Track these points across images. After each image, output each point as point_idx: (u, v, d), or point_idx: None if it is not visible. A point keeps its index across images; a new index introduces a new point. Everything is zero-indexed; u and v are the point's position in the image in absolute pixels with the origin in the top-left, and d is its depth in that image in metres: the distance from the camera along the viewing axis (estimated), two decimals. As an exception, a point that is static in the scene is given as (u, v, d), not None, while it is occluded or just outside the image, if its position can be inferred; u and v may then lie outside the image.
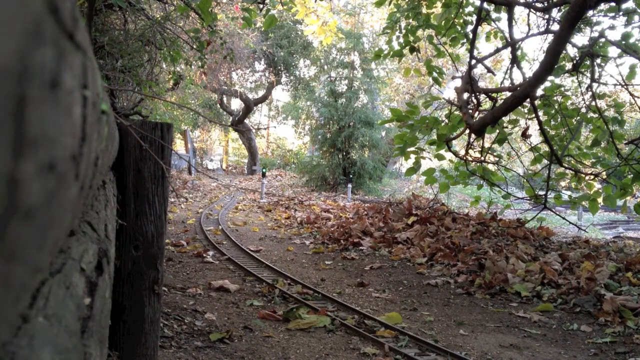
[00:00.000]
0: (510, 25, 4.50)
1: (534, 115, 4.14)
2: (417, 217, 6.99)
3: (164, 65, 6.96)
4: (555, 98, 4.89)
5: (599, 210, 5.20)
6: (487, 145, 5.09)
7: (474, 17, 5.02)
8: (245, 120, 22.83)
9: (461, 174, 5.16)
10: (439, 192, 7.19)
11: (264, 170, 13.46)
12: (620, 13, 4.42)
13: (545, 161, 4.64)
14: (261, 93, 22.72)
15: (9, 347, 0.34)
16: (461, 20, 5.33)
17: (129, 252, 1.63)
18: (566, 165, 4.48)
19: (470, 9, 5.40)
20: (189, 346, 2.65)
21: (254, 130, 24.74)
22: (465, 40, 5.33)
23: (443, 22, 5.30)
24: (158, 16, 5.80)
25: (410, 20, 5.56)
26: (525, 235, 6.07)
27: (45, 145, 0.27)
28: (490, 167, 5.29)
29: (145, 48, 5.70)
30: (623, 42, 4.33)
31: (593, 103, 4.55)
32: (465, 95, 4.53)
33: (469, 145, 4.81)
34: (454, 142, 5.45)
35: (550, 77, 4.46)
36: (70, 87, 0.31)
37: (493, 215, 6.93)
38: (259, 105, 24.74)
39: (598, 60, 4.51)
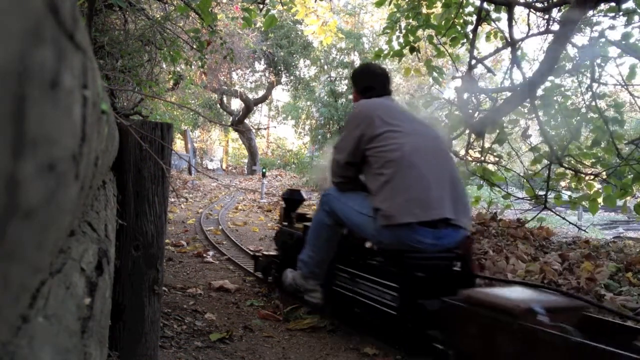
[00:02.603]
0: (510, 25, 4.51)
1: (534, 115, 4.15)
2: (417, 217, 6.98)
3: (164, 65, 6.96)
4: (555, 98, 4.90)
5: (599, 210, 5.20)
6: (487, 145, 5.10)
7: (474, 17, 5.03)
8: (245, 120, 22.83)
9: (461, 174, 5.16)
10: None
11: (264, 170, 13.46)
12: (620, 13, 4.43)
13: (545, 161, 4.64)
14: (261, 93, 22.72)
15: (9, 347, 0.34)
16: (461, 20, 5.33)
17: (129, 252, 1.63)
18: (566, 166, 4.48)
19: (470, 9, 5.40)
20: (189, 346, 2.65)
21: (254, 130, 24.74)
22: (465, 40, 5.34)
23: (443, 22, 5.30)
24: (158, 16, 5.80)
25: (410, 20, 5.56)
26: (525, 235, 6.07)
27: (45, 145, 0.27)
28: (490, 167, 5.29)
29: (145, 48, 5.71)
30: (623, 42, 4.34)
31: (593, 103, 4.55)
32: (465, 95, 4.53)
33: (469, 145, 4.81)
34: (454, 142, 5.45)
35: (550, 77, 4.46)
36: (70, 87, 0.31)
37: (493, 215, 6.93)
38: (259, 105, 24.74)
39: (598, 60, 4.51)
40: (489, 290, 2.22)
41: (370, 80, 2.92)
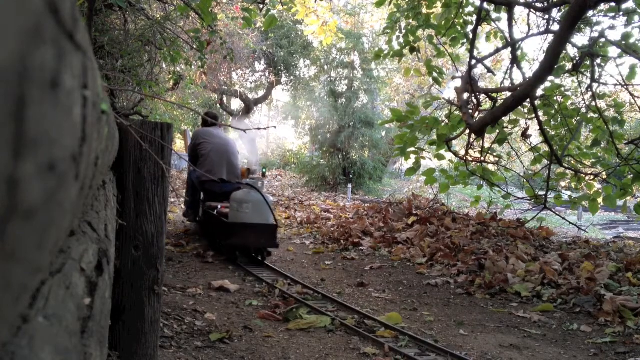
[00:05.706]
0: (510, 25, 4.51)
1: (534, 115, 4.15)
2: (417, 217, 6.98)
3: (164, 65, 6.96)
4: (555, 98, 4.90)
5: (599, 210, 5.20)
6: (487, 145, 5.10)
7: (474, 17, 5.02)
8: (245, 121, 22.79)
9: (461, 174, 5.17)
10: (439, 192, 7.19)
11: (264, 170, 13.44)
12: (620, 13, 4.43)
13: (545, 161, 4.64)
14: (261, 93, 22.70)
15: (9, 347, 0.34)
16: (461, 20, 5.33)
17: (129, 252, 1.63)
18: (566, 166, 4.48)
19: (470, 9, 5.40)
20: (189, 346, 2.66)
21: (254, 131, 24.63)
22: (465, 40, 5.34)
23: (443, 22, 5.30)
24: (158, 16, 5.80)
25: (410, 20, 5.56)
26: (525, 235, 6.07)
27: (45, 145, 0.27)
28: (490, 167, 5.29)
29: (145, 48, 5.71)
30: (623, 42, 4.34)
31: (593, 103, 4.55)
32: (465, 95, 4.53)
33: (469, 145, 4.81)
34: (454, 142, 5.45)
35: (550, 77, 4.46)
36: (70, 87, 0.31)
37: (493, 216, 6.93)
38: (259, 105, 24.71)
39: (598, 60, 4.51)
40: (216, 203, 5.53)
41: (206, 120, 6.07)
